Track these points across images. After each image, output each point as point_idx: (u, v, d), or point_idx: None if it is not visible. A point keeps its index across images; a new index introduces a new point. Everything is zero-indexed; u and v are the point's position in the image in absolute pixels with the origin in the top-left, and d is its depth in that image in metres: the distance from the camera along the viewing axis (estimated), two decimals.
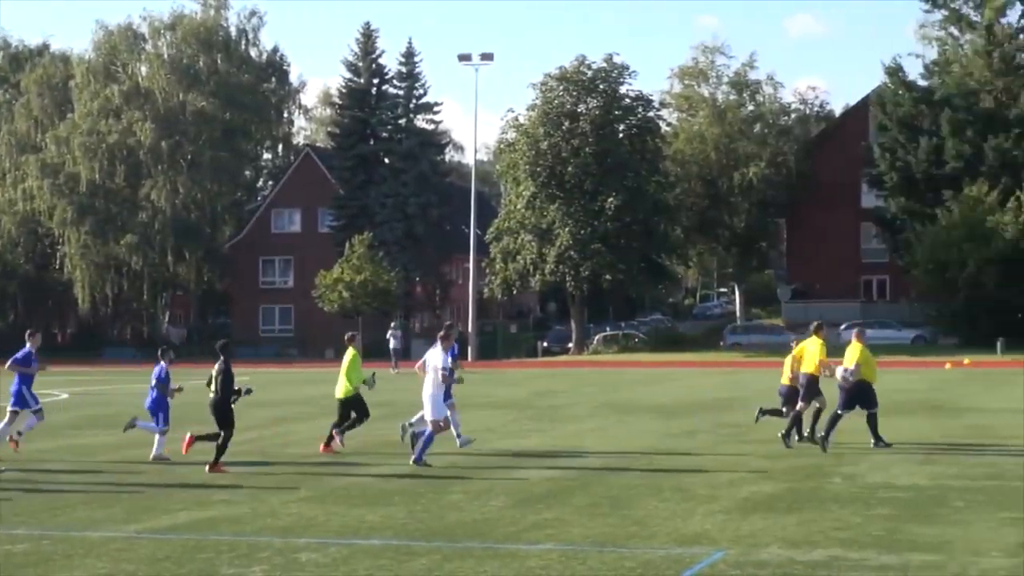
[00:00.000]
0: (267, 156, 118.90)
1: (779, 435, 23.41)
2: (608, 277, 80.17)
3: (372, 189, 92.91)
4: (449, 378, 22.00)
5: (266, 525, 15.61)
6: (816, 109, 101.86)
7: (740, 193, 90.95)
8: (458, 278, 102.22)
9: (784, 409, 24.34)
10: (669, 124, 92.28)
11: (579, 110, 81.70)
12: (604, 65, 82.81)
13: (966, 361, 59.69)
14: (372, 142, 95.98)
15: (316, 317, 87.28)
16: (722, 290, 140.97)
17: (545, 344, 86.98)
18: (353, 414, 23.61)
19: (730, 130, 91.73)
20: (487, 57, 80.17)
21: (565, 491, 18.15)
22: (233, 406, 21.16)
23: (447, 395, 22.33)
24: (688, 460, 21.63)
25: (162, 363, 22.75)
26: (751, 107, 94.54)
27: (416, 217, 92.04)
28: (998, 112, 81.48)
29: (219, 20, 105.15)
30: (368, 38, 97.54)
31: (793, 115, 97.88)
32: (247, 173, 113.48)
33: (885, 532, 14.37)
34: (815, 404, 23.53)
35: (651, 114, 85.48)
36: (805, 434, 23.44)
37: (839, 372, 22.96)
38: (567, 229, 79.12)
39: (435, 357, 21.79)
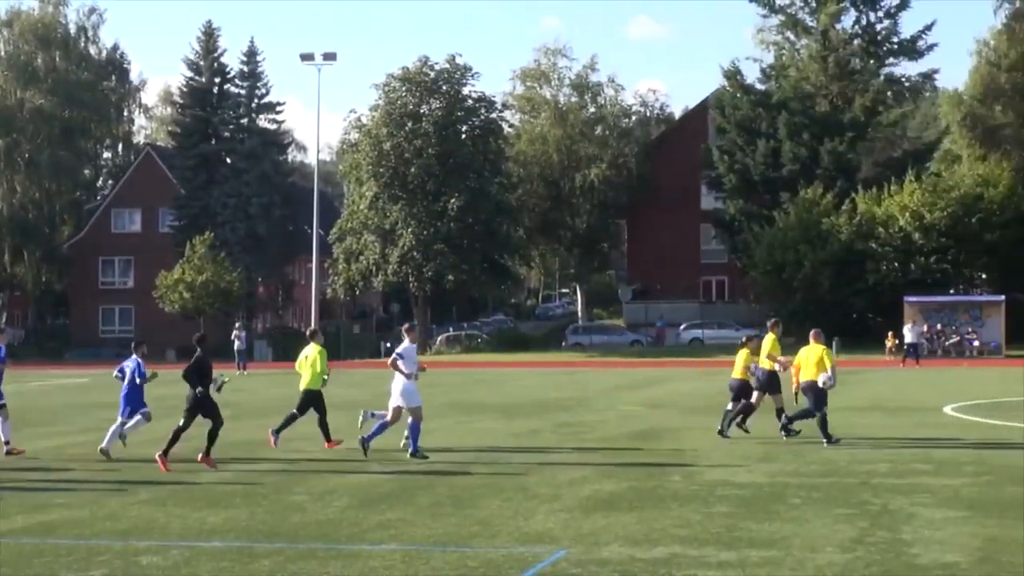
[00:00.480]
0: (107, 155, 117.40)
1: (736, 425, 24.45)
2: (451, 278, 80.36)
3: (214, 189, 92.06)
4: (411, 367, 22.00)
5: (106, 528, 15.37)
6: (656, 111, 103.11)
7: (581, 194, 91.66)
8: (301, 278, 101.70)
9: (731, 405, 25.02)
10: (511, 125, 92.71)
11: (422, 111, 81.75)
12: (447, 66, 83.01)
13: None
14: (214, 141, 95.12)
15: (157, 318, 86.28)
16: (564, 290, 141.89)
17: (388, 345, 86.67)
18: (312, 408, 23.62)
19: (572, 132, 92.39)
20: (330, 57, 79.87)
21: (408, 491, 18.14)
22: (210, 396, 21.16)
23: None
24: (530, 459, 21.73)
25: (136, 356, 23.02)
26: (592, 109, 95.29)
27: (258, 217, 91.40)
28: (833, 116, 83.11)
29: (58, 17, 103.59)
30: (210, 37, 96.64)
31: (634, 117, 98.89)
32: (87, 172, 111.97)
33: (724, 529, 14.56)
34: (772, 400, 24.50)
35: (494, 115, 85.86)
36: (735, 426, 24.49)
37: (822, 378, 23.36)
38: (410, 230, 79.13)
39: (400, 349, 22.17)
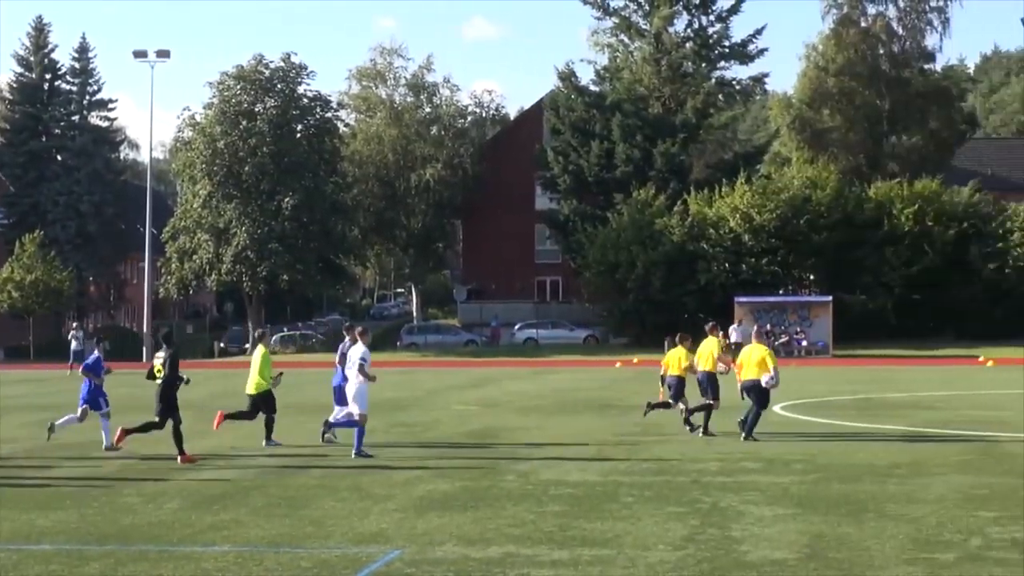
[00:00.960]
0: None
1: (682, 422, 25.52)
2: (285, 277, 79.80)
3: (44, 186, 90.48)
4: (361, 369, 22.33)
5: None
6: (492, 112, 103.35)
7: (417, 194, 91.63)
8: (133, 277, 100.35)
9: (670, 401, 25.97)
10: (347, 125, 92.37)
11: (256, 109, 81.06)
12: (282, 65, 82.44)
13: (635, 360, 61.44)
14: (44, 139, 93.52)
15: None
16: (399, 290, 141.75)
17: (222, 344, 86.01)
18: (261, 411, 23.83)
19: (407, 132, 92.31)
20: (163, 54, 78.74)
21: (241, 492, 18.02)
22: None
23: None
24: (364, 459, 21.71)
25: (96, 352, 24.44)
26: (428, 109, 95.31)
27: (90, 215, 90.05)
28: (665, 118, 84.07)
29: None
30: (40, 32, 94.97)
31: (469, 118, 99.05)
32: None
33: (557, 528, 14.70)
34: (708, 400, 25.16)
35: (329, 115, 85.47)
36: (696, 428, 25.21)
37: (765, 378, 23.95)
38: (244, 229, 78.42)
39: (356, 352, 22.40)
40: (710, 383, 25.31)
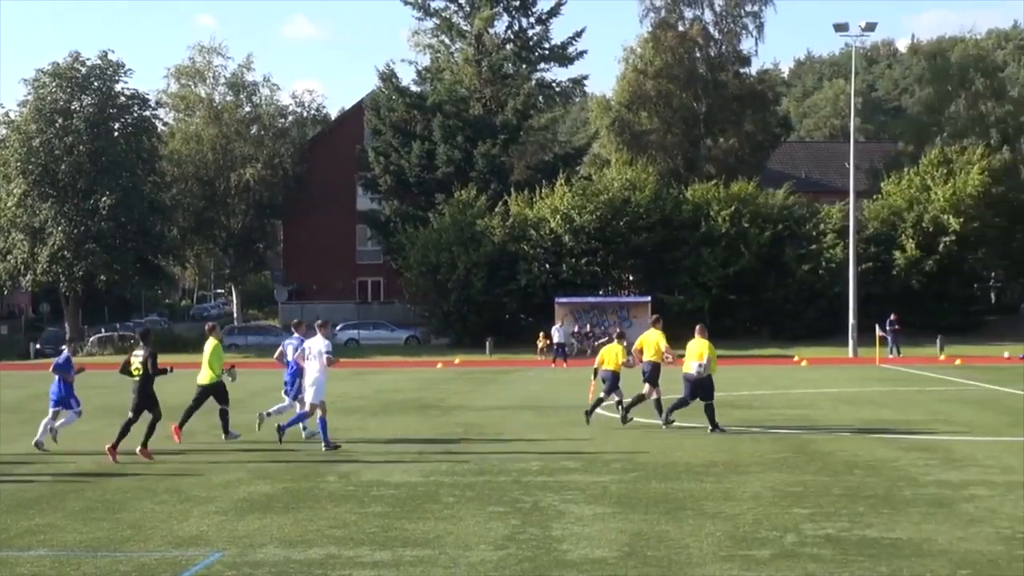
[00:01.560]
0: None
1: (619, 411, 26.39)
2: (103, 277, 78.47)
3: None
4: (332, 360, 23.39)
5: None
6: (313, 112, 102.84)
7: (237, 194, 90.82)
8: None
9: (603, 395, 26.75)
10: (166, 124, 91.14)
11: (73, 107, 79.47)
12: (99, 62, 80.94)
13: (457, 361, 61.60)
14: None
15: None
16: (219, 291, 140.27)
17: (38, 346, 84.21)
18: (216, 401, 24.52)
19: (227, 131, 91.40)
20: None
21: (58, 495, 17.71)
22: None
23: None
24: (185, 461, 21.49)
25: (66, 351, 24.71)
26: (248, 108, 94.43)
27: None
28: (486, 119, 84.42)
29: None
30: None
31: (290, 117, 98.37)
32: None
33: (379, 529, 14.72)
34: (653, 390, 26.26)
35: (147, 113, 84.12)
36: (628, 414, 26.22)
37: (694, 367, 25.30)
38: (60, 228, 76.91)
39: (317, 343, 23.15)
40: (653, 372, 26.31)
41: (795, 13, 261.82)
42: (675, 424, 25.84)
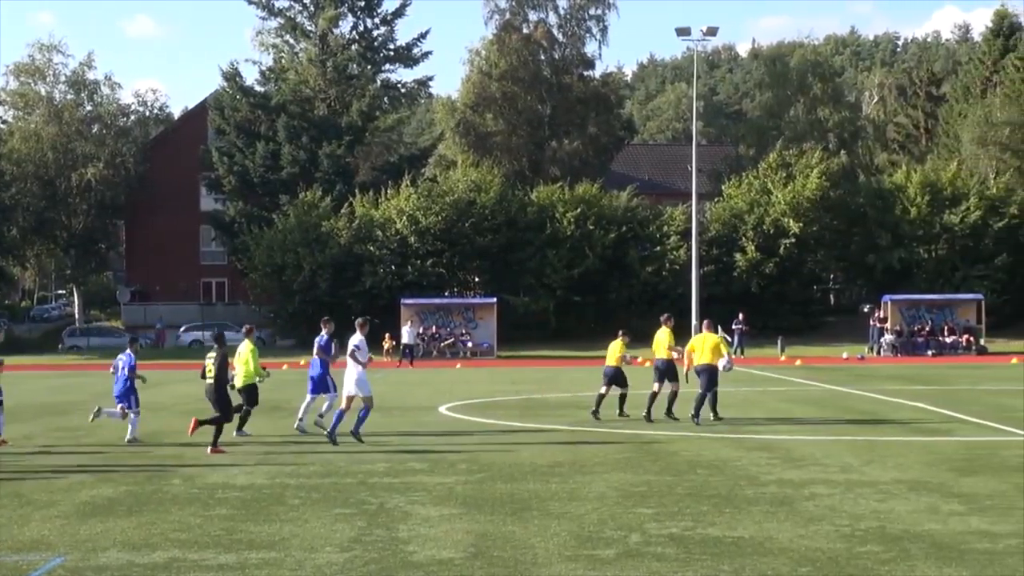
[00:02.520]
0: None
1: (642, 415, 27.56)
2: None
3: None
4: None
5: None
6: (156, 111, 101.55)
7: (78, 194, 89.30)
8: None
9: (603, 390, 28.51)
10: (4, 122, 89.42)
11: None
12: None
13: (303, 362, 61.27)
14: None
15: None
16: (60, 292, 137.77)
17: None
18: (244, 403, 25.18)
19: (68, 130, 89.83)
20: None
21: None
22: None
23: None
24: (25, 464, 21.10)
25: (130, 352, 25.68)
26: (89, 107, 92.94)
27: None
28: (331, 120, 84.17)
29: None
30: None
31: (132, 116, 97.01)
32: None
33: (224, 532, 14.58)
34: (672, 386, 27.75)
35: None
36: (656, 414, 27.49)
37: (722, 363, 27.34)
38: None
39: (352, 340, 23.76)
40: (668, 369, 27.86)
41: (638, 17, 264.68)
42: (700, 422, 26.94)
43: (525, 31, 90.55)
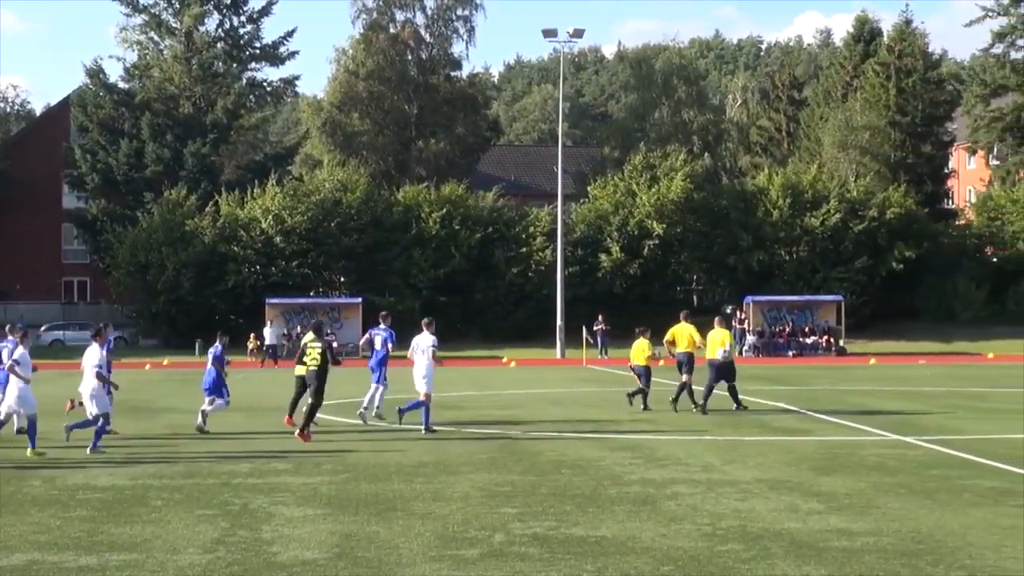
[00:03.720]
0: None
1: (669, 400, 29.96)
2: None
3: None
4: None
5: None
6: (17, 108, 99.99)
7: None
8: None
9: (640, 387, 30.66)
10: None
11: None
12: None
13: (165, 362, 60.68)
14: None
15: None
16: None
17: None
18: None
19: None
20: None
21: None
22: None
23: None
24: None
25: (218, 344, 27.00)
26: None
27: None
28: (196, 118, 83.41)
29: None
30: None
31: None
32: None
33: (84, 533, 14.41)
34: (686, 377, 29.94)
35: None
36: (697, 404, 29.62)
37: (720, 353, 29.88)
38: None
39: (425, 339, 25.94)
40: (688, 361, 30.22)
41: (505, 18, 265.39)
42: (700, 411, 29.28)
43: (392, 31, 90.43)
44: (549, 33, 69.19)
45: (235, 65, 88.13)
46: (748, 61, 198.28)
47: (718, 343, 29.99)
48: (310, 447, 23.01)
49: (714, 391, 29.97)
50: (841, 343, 69.23)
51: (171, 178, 79.07)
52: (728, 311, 73.60)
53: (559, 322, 66.73)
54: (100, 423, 22.90)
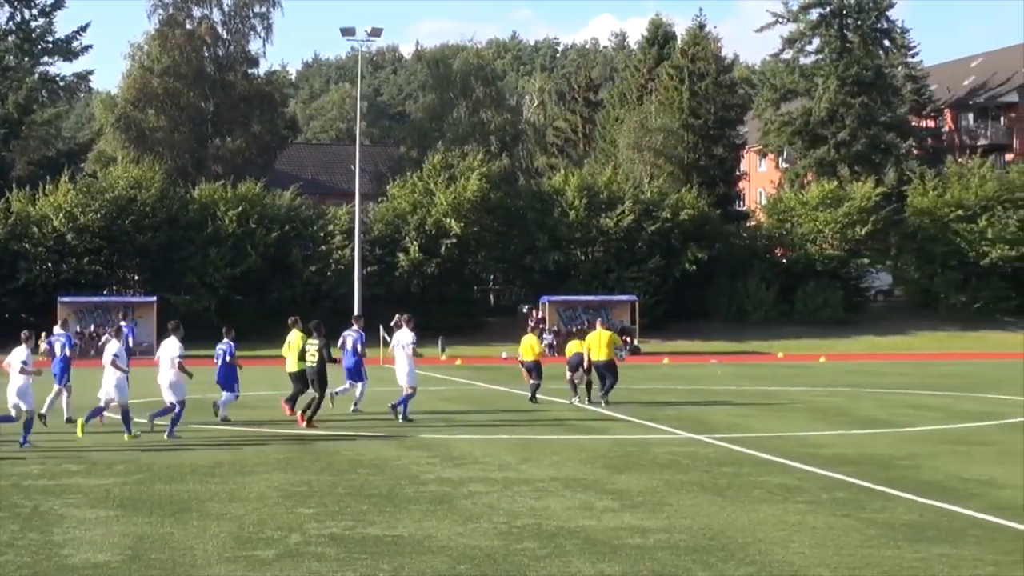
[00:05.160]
0: None
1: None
2: None
3: None
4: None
5: None
6: None
7: None
8: None
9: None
10: None
11: None
12: None
13: None
14: None
15: None
16: None
17: None
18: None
19: None
20: None
21: None
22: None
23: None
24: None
25: (228, 340, 28.57)
26: None
27: None
28: None
29: None
30: None
31: None
32: None
33: None
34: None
35: None
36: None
37: (619, 353, 34.05)
38: None
39: (405, 336, 28.78)
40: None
41: (303, 15, 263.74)
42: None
43: (189, 27, 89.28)
44: (347, 32, 69.02)
45: (27, 59, 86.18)
46: (545, 63, 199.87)
47: (605, 344, 32.00)
48: (102, 448, 22.63)
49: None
50: (635, 342, 70.17)
51: None
52: (524, 310, 74.30)
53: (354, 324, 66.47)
54: (177, 410, 24.40)
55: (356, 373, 29.94)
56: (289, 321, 29.17)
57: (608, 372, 31.79)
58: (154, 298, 69.54)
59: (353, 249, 70.61)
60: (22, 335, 24.29)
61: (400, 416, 27.50)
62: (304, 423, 26.15)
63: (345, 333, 30.67)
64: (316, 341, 27.26)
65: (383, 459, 21.02)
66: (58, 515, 15.60)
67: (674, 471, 19.61)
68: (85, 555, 13.13)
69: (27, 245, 71.87)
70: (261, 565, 12.68)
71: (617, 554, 13.23)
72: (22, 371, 23.10)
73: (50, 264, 72.01)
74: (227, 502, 16.58)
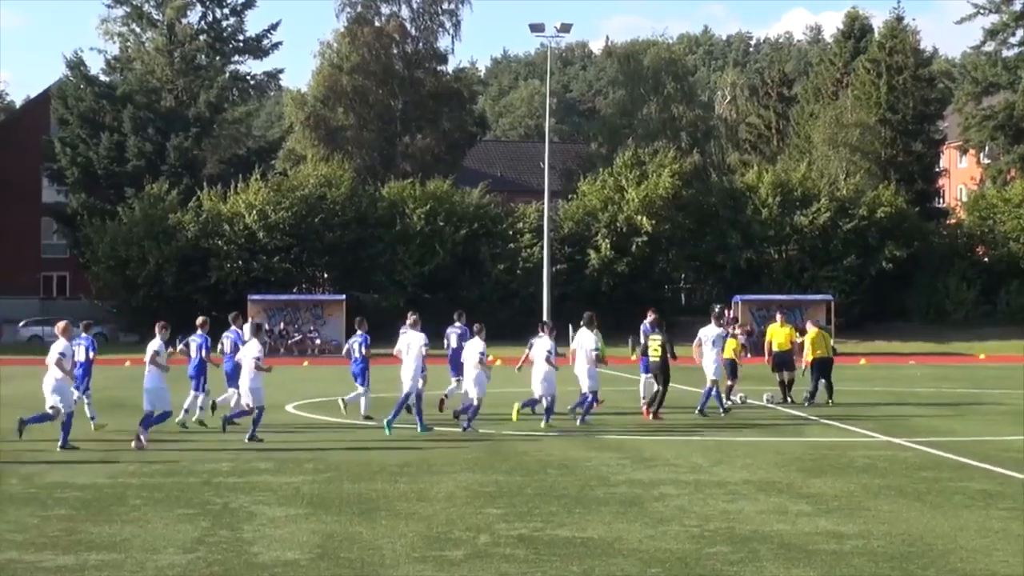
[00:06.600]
0: None
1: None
2: None
3: None
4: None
5: None
6: None
7: None
8: None
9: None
10: None
11: None
12: None
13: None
14: None
15: None
16: None
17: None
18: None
19: None
20: None
21: None
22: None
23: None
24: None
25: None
26: None
27: None
28: (179, 111, 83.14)
29: None
30: None
31: None
32: None
33: (63, 532, 14.16)
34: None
35: None
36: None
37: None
38: None
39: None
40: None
41: (492, 12, 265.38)
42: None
43: (377, 24, 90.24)
44: (536, 28, 68.92)
45: (218, 58, 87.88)
46: (737, 57, 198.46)
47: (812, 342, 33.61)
48: (291, 446, 22.80)
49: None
50: (831, 343, 68.88)
51: (153, 172, 78.71)
52: (717, 310, 73.40)
53: (545, 320, 66.32)
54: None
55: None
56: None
57: (823, 374, 32.90)
58: (343, 296, 70.19)
59: (542, 247, 70.51)
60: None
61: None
62: (649, 416, 28.01)
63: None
64: (658, 336, 29.84)
65: (572, 460, 20.73)
66: (248, 512, 15.58)
67: (871, 475, 19.02)
68: (275, 553, 13.04)
69: (218, 242, 73.23)
70: (450, 565, 12.48)
71: (812, 560, 12.81)
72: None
73: (240, 262, 73.24)
74: (415, 502, 16.42)
